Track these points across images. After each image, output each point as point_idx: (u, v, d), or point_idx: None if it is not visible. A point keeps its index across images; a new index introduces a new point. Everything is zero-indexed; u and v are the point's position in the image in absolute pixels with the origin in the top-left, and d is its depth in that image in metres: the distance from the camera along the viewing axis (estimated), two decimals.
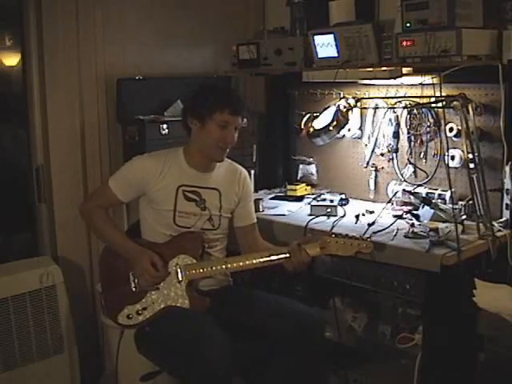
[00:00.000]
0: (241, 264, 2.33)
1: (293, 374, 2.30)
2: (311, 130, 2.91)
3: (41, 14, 2.81)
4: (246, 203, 2.54)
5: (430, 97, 2.66)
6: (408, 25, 2.39)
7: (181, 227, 2.39)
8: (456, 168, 2.69)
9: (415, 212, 2.61)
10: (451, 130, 2.68)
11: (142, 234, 2.48)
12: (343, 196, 2.96)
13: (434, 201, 2.62)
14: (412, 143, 2.88)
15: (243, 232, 2.54)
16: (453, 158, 2.67)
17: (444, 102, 2.59)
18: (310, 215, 2.75)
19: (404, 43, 2.40)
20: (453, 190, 2.52)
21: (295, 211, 2.89)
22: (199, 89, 2.43)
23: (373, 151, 3.03)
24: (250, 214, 2.56)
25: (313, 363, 2.32)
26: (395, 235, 2.41)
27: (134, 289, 2.36)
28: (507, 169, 2.46)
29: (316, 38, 2.74)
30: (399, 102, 2.87)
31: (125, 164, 2.46)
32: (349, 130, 3.05)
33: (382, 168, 3.03)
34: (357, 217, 2.68)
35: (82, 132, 2.98)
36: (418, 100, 2.79)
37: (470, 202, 2.50)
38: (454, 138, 2.69)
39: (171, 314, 2.32)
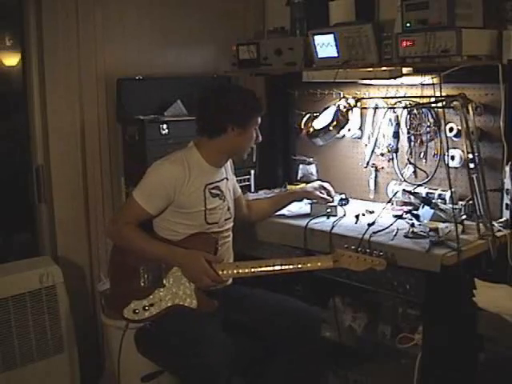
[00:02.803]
0: (252, 270, 2.33)
1: (292, 372, 2.31)
2: (311, 129, 2.91)
3: (41, 14, 2.81)
4: (233, 176, 2.64)
5: (430, 97, 2.66)
6: (408, 25, 2.39)
7: (211, 224, 2.40)
8: (456, 168, 2.69)
9: (415, 212, 2.61)
10: (451, 130, 2.68)
11: (156, 229, 2.42)
12: (343, 196, 2.96)
13: (434, 201, 2.62)
14: (412, 143, 2.88)
15: (239, 200, 2.65)
16: (453, 158, 2.67)
17: (444, 102, 2.58)
18: (310, 215, 2.75)
19: (404, 43, 2.40)
20: (453, 190, 2.52)
21: (295, 211, 2.89)
22: (236, 97, 2.38)
23: (373, 151, 3.03)
24: (237, 186, 2.68)
25: (310, 361, 2.33)
26: (395, 235, 2.41)
27: (142, 284, 2.36)
28: (507, 169, 2.46)
29: (316, 38, 2.74)
30: (399, 102, 2.87)
31: (147, 175, 2.34)
32: (349, 130, 3.05)
33: (382, 168, 3.03)
34: (357, 217, 2.68)
35: (82, 132, 2.98)
36: (418, 100, 2.79)
37: (470, 202, 2.50)
38: (454, 138, 2.69)
39: (175, 313, 2.32)
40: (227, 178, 2.51)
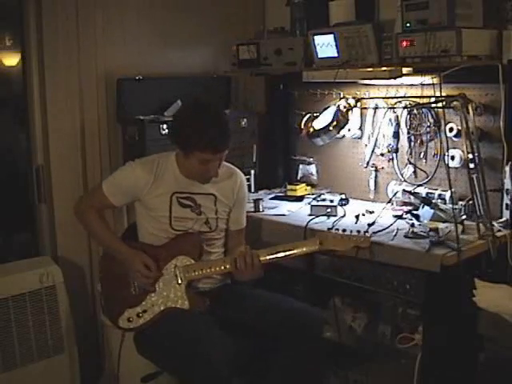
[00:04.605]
0: None
1: (292, 372, 2.31)
2: (311, 129, 2.91)
3: (41, 14, 2.80)
4: (238, 209, 2.54)
5: (430, 97, 2.66)
6: (408, 25, 2.39)
7: (178, 231, 2.40)
8: (456, 168, 2.69)
9: (415, 212, 2.61)
10: (451, 130, 2.68)
11: (139, 236, 2.48)
12: (343, 196, 2.96)
13: (434, 201, 2.62)
14: (412, 143, 2.88)
15: (230, 235, 2.55)
16: (453, 158, 2.67)
17: (444, 102, 2.59)
18: (310, 215, 2.75)
19: (404, 43, 2.40)
20: (453, 190, 2.52)
21: (295, 211, 2.89)
22: (182, 117, 2.34)
23: (373, 151, 3.03)
24: (240, 219, 2.56)
25: (311, 361, 2.33)
26: (395, 235, 2.42)
27: (133, 291, 2.37)
28: (507, 169, 2.46)
29: (316, 38, 2.74)
30: (399, 102, 2.87)
31: (118, 169, 2.46)
32: (349, 130, 3.05)
33: (382, 168, 3.03)
34: (357, 217, 2.68)
35: (82, 132, 2.98)
36: (418, 100, 2.79)
37: (470, 202, 2.50)
38: (453, 138, 2.69)
39: (171, 316, 2.32)
40: (215, 196, 2.44)
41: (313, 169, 3.34)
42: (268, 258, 2.30)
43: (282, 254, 2.30)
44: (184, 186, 2.40)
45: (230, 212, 2.51)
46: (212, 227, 2.45)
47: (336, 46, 2.67)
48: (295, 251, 2.30)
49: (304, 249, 2.30)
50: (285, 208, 2.94)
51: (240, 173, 2.57)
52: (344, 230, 2.32)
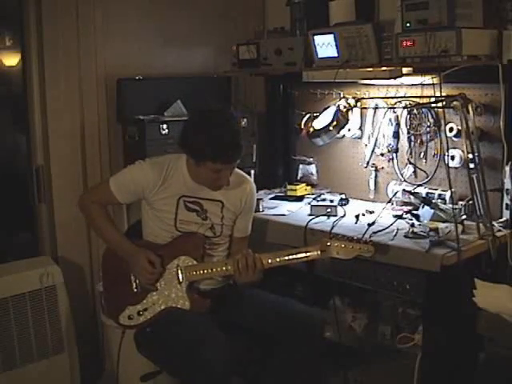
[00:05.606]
0: None
1: (292, 374, 2.31)
2: (311, 129, 2.91)
3: (41, 14, 2.81)
4: (244, 217, 2.51)
5: (430, 97, 2.66)
6: (408, 25, 2.39)
7: (182, 232, 2.39)
8: (456, 168, 2.69)
9: (415, 212, 2.61)
10: (451, 130, 2.68)
11: (143, 234, 2.48)
12: (343, 196, 2.96)
13: (434, 201, 2.62)
14: (412, 143, 2.88)
15: (234, 241, 2.53)
16: (453, 158, 2.67)
17: (444, 102, 2.58)
18: (310, 215, 2.75)
19: (404, 43, 2.40)
20: (453, 190, 2.52)
21: (295, 211, 2.89)
22: (194, 126, 2.29)
23: (373, 151, 3.03)
24: (246, 227, 2.54)
25: (311, 362, 2.33)
26: (395, 235, 2.41)
27: (135, 289, 2.37)
28: (507, 169, 2.46)
29: (316, 38, 2.74)
30: (399, 102, 2.87)
31: (127, 167, 2.43)
32: (349, 130, 3.05)
33: (382, 168, 3.03)
34: (357, 217, 2.68)
35: (82, 132, 2.98)
36: (418, 100, 2.79)
37: (470, 202, 2.50)
38: (454, 138, 2.69)
39: (171, 316, 2.32)
40: (222, 203, 2.42)
41: (313, 169, 3.34)
42: (269, 261, 2.29)
43: (284, 258, 2.29)
44: (192, 191, 2.38)
45: (236, 219, 2.49)
46: (216, 233, 2.44)
47: (336, 45, 2.67)
48: (297, 256, 2.29)
49: (307, 254, 2.28)
50: (285, 208, 2.94)
51: (251, 181, 2.54)
52: (348, 238, 2.29)
